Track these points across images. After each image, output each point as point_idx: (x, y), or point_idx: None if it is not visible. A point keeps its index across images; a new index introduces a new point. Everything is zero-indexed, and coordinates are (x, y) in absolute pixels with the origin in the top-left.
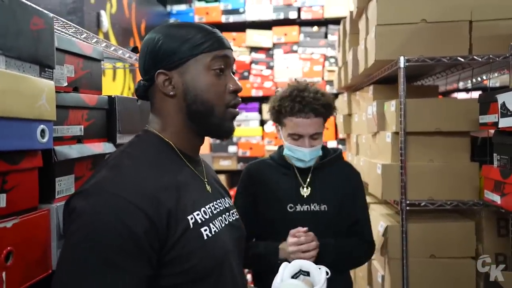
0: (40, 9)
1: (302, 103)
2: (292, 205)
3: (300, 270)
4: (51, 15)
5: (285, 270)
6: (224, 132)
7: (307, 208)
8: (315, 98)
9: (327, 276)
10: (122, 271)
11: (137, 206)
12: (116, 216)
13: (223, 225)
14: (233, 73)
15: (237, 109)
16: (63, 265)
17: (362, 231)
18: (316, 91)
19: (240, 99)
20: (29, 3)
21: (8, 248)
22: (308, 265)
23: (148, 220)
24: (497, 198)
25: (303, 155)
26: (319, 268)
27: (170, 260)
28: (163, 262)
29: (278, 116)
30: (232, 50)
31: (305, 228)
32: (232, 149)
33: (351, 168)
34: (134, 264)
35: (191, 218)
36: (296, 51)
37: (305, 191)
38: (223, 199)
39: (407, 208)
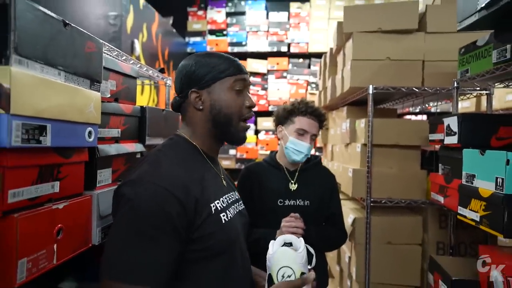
0: (93, 35)
1: (313, 109)
2: (282, 200)
3: (285, 242)
4: (101, 41)
5: (274, 244)
6: (237, 139)
7: (294, 203)
8: (319, 109)
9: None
10: (159, 244)
11: (172, 193)
12: (156, 201)
13: (235, 213)
14: (249, 93)
15: (248, 124)
16: (113, 238)
17: (337, 222)
18: (318, 107)
19: (253, 113)
20: (85, 31)
21: (59, 225)
22: (289, 237)
23: (180, 205)
24: (440, 199)
25: (303, 147)
26: (299, 238)
27: (195, 238)
28: (189, 240)
29: (288, 115)
30: (248, 74)
31: (297, 214)
32: (232, 151)
33: (328, 171)
34: (168, 239)
35: (213, 206)
36: (285, 77)
37: (293, 186)
38: (233, 192)
39: (371, 204)
